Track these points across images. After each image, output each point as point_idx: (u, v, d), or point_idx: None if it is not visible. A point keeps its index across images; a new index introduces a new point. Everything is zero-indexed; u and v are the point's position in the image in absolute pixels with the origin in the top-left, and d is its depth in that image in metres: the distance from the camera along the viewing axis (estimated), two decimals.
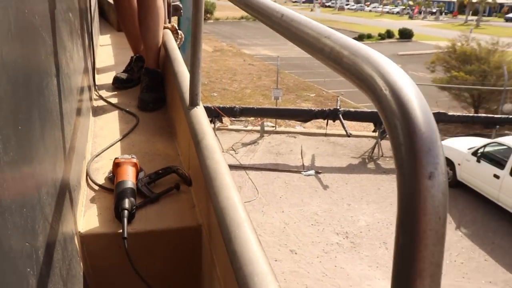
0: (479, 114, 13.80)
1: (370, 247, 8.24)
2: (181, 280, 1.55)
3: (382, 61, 0.50)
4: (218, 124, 12.11)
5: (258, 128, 13.27)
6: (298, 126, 13.72)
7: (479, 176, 9.90)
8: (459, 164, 10.41)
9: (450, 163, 10.65)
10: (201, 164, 1.34)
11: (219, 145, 1.45)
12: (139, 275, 1.33)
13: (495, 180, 9.48)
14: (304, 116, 12.04)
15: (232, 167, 10.78)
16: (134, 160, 1.66)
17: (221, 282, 1.16)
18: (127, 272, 1.34)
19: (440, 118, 12.62)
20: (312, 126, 13.39)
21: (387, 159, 12.10)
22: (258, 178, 10.65)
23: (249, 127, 13.58)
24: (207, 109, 11.22)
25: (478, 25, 46.94)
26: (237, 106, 12.28)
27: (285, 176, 10.87)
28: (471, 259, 8.22)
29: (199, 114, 1.63)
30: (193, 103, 1.69)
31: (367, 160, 11.85)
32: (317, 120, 12.65)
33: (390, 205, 9.79)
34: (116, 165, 1.64)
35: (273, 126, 13.69)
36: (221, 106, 12.20)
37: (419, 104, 0.46)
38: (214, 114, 11.44)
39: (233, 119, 13.25)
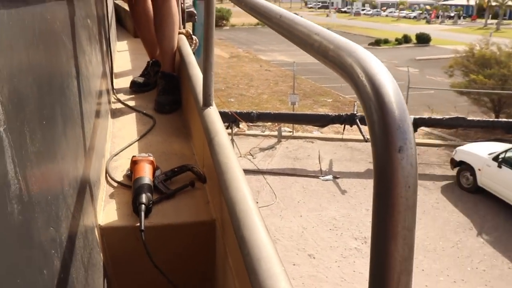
0: (500, 119, 13.57)
1: None
2: (196, 272, 1.59)
3: (360, 53, 0.57)
4: (235, 130, 12.18)
5: (275, 133, 13.30)
6: (315, 131, 13.70)
7: (500, 182, 9.73)
8: (479, 170, 10.24)
9: (470, 169, 10.49)
10: (214, 160, 1.37)
11: (230, 143, 1.48)
12: (156, 266, 1.37)
13: None
14: (321, 121, 12.03)
15: (249, 171, 10.82)
16: (151, 158, 1.70)
17: (233, 271, 1.19)
18: (145, 263, 1.37)
19: (459, 123, 12.46)
20: (329, 131, 13.35)
21: None
22: (276, 182, 10.66)
23: (267, 132, 13.62)
24: (224, 114, 11.34)
25: (498, 28, 46.23)
26: (254, 111, 12.34)
27: (303, 181, 10.85)
28: (494, 266, 8.06)
29: (212, 113, 1.67)
30: (206, 103, 1.73)
31: None
32: (334, 125, 12.62)
33: None
34: (134, 162, 1.68)
35: (290, 131, 13.69)
36: (238, 111, 12.26)
37: (390, 87, 0.51)
38: (231, 119, 11.51)
39: (250, 124, 13.30)
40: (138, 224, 1.42)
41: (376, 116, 0.49)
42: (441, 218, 9.49)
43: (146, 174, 1.60)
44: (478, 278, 7.71)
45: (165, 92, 2.56)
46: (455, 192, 10.57)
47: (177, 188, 1.64)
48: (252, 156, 12.17)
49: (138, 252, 1.38)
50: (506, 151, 9.85)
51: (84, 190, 1.28)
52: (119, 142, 2.11)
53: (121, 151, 2.00)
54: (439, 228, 9.11)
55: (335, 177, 10.96)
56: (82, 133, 1.35)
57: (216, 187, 1.45)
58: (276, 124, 13.44)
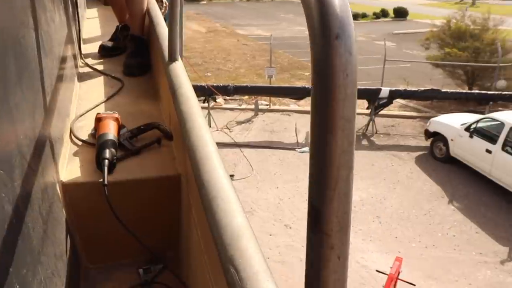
0: (473, 91, 13.83)
1: (364, 221, 8.35)
2: (161, 226, 1.60)
3: None
4: (212, 103, 12.11)
5: (252, 106, 13.27)
6: (292, 105, 13.72)
7: (472, 151, 9.98)
8: (452, 140, 10.47)
9: (443, 139, 10.72)
10: (177, 111, 1.37)
11: (194, 95, 1.47)
12: (120, 221, 1.37)
13: (487, 155, 9.56)
14: (298, 93, 12.05)
15: (226, 145, 10.83)
16: (116, 115, 1.69)
17: (196, 220, 1.21)
18: (109, 219, 1.38)
19: (434, 94, 12.66)
20: (306, 104, 13.38)
21: (381, 136, 12.15)
22: (253, 155, 10.70)
23: (244, 106, 13.58)
24: (201, 88, 11.23)
25: (474, 3, 46.58)
26: (230, 84, 12.26)
27: (279, 153, 10.93)
28: (463, 232, 8.34)
29: (177, 67, 1.66)
30: (172, 58, 1.72)
31: (361, 137, 11.90)
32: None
33: (383, 181, 9.88)
34: (98, 120, 1.66)
35: (267, 105, 13.68)
36: (214, 84, 12.16)
37: None
38: (208, 93, 11.42)
39: (227, 98, 13.23)
40: (102, 180, 1.41)
41: (315, 4, 0.47)
42: (414, 188, 9.72)
43: (110, 131, 1.59)
44: (448, 243, 7.98)
45: (134, 54, 2.53)
46: (428, 162, 10.81)
47: (143, 145, 1.64)
48: (229, 129, 12.15)
49: (102, 208, 1.38)
50: (477, 121, 10.08)
51: (45, 147, 1.27)
52: (85, 104, 2.08)
53: (86, 112, 1.98)
54: (412, 197, 9.35)
55: None
56: (41, 89, 1.32)
57: (181, 142, 1.45)
58: (253, 97, 13.40)
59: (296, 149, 11.08)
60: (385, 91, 11.95)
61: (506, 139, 9.27)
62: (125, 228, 1.37)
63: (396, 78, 15.57)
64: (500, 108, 12.48)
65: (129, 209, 1.48)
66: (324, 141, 0.48)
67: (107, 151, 1.48)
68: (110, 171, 1.46)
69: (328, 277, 0.52)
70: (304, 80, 17.29)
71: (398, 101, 13.57)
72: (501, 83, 14.49)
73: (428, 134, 11.22)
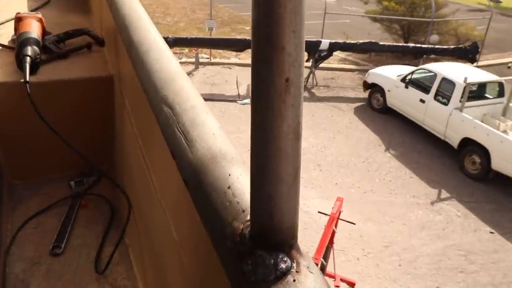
0: (408, 44, 14.25)
1: (305, 169, 8.52)
2: (95, 132, 1.49)
3: None
4: None
5: (193, 60, 12.93)
6: (233, 58, 13.51)
7: (407, 101, 10.37)
8: (389, 91, 10.81)
9: (380, 90, 11.04)
10: (112, 9, 1.23)
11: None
12: (46, 123, 1.24)
13: (421, 105, 9.98)
14: (239, 45, 11.83)
15: None
16: (39, 16, 1.51)
17: (131, 115, 1.12)
18: (35, 125, 1.24)
19: (372, 47, 12.93)
20: (247, 57, 13.22)
21: (321, 88, 12.32)
22: None
23: (184, 59, 13.19)
24: None
25: None
26: (170, 36, 11.80)
27: (221, 105, 10.81)
28: (398, 177, 8.76)
29: None
30: None
31: None
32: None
33: (324, 131, 10.09)
34: (18, 19, 1.48)
35: (208, 58, 13.38)
36: None
37: None
38: None
39: None
40: (23, 80, 1.26)
41: None
42: (353, 137, 10.01)
43: (32, 30, 1.42)
44: (385, 187, 8.37)
45: None
46: (367, 112, 11.14)
47: (71, 48, 1.48)
48: None
49: (26, 112, 1.24)
50: (412, 72, 10.44)
51: None
52: (7, 15, 1.86)
53: (7, 21, 1.77)
54: (351, 146, 9.64)
55: None
56: None
57: (114, 44, 1.32)
58: (193, 50, 13.03)
59: (238, 101, 11.00)
60: (325, 43, 12.02)
61: (438, 89, 9.70)
62: (54, 132, 1.23)
63: (335, 33, 15.69)
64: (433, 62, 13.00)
65: (57, 114, 1.35)
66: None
67: (29, 48, 1.32)
68: (33, 71, 1.30)
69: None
70: (245, 34, 17.01)
71: (338, 55, 13.75)
72: (434, 37, 15.04)
73: (366, 85, 11.50)
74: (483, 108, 9.49)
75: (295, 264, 0.57)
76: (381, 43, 13.07)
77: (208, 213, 0.66)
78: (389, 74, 11.06)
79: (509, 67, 14.61)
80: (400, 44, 14.49)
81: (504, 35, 18.23)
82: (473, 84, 9.36)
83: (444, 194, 8.36)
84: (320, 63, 12.31)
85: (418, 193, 8.33)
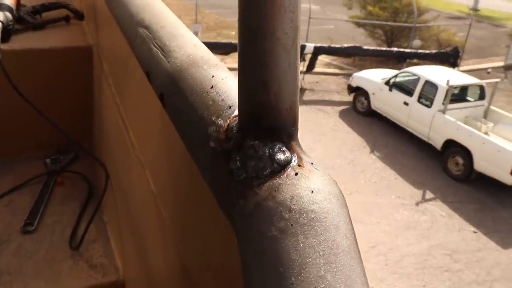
0: (392, 49, 14.41)
1: None
2: (73, 106, 1.44)
3: None
4: None
5: None
6: None
7: (391, 104, 10.45)
8: (373, 94, 10.89)
9: (365, 93, 11.12)
10: None
11: None
12: (18, 92, 1.19)
13: (405, 107, 10.07)
14: (224, 48, 11.84)
15: None
16: None
17: (112, 86, 1.08)
18: (8, 92, 1.19)
19: (356, 51, 13.05)
20: (233, 61, 13.22)
21: (307, 91, 12.37)
22: None
23: None
24: None
25: None
26: None
27: None
28: (383, 178, 8.80)
29: None
30: None
31: None
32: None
33: (309, 133, 10.11)
34: None
35: None
36: None
37: None
38: None
39: None
40: None
41: None
42: (338, 139, 10.05)
43: None
44: (370, 188, 8.40)
45: None
46: (351, 115, 11.20)
47: (48, 20, 1.44)
48: None
49: None
50: (396, 75, 10.54)
51: None
52: None
53: None
54: (337, 148, 9.67)
55: None
56: None
57: (94, 19, 1.29)
58: None
59: None
60: (310, 47, 12.10)
61: (421, 92, 9.80)
62: (28, 103, 1.18)
63: (320, 39, 15.80)
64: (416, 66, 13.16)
65: (33, 86, 1.30)
66: None
67: (1, 13, 1.26)
68: (5, 39, 1.25)
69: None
70: (230, 39, 17.02)
71: (323, 59, 13.82)
72: (417, 42, 15.25)
73: (350, 88, 11.57)
74: (465, 111, 9.62)
75: (295, 157, 0.46)
76: (365, 47, 13.21)
77: (186, 117, 0.56)
78: (373, 77, 11.15)
79: (488, 73, 14.86)
80: (384, 48, 14.64)
81: (483, 42, 18.57)
82: (455, 87, 9.48)
83: (429, 194, 8.41)
84: (312, 68, 12.43)
85: (403, 194, 8.37)
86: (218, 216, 0.46)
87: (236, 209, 0.42)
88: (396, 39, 16.13)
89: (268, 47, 0.43)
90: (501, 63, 15.58)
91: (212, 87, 0.57)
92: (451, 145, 9.04)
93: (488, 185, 8.47)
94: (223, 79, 0.59)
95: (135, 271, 1.11)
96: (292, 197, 0.41)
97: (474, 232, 7.51)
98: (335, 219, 0.41)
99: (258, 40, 0.42)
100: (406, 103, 10.04)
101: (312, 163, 0.46)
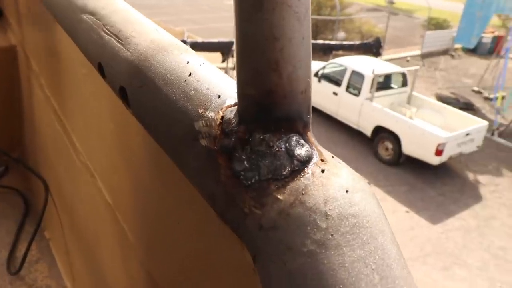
0: (317, 41, 14.79)
1: None
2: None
3: None
4: None
5: None
6: None
7: (320, 95, 10.71)
8: None
9: None
10: None
11: None
12: None
13: (334, 97, 10.38)
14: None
15: None
16: None
17: (44, 84, 0.96)
18: None
19: None
20: None
21: None
22: None
23: None
24: None
25: None
26: None
27: None
28: None
29: None
30: None
31: None
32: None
33: None
34: None
35: None
36: None
37: None
38: None
39: None
40: None
41: None
42: None
43: None
44: None
45: None
46: None
47: None
48: None
49: None
50: (324, 67, 10.82)
51: None
52: None
53: None
54: None
55: None
56: None
57: (16, 15, 1.15)
58: None
59: None
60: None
61: (348, 81, 10.14)
62: None
63: None
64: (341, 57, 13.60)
65: None
66: None
67: None
68: None
69: None
70: None
71: None
72: (341, 34, 15.78)
73: None
74: (390, 98, 10.09)
75: (315, 150, 0.39)
76: None
77: (160, 112, 0.48)
78: None
79: (407, 61, 15.71)
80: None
81: (401, 32, 19.60)
82: (380, 76, 9.90)
83: None
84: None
85: None
86: (219, 230, 0.38)
87: (249, 220, 0.35)
88: (321, 32, 16.59)
89: (279, 16, 0.35)
90: (418, 52, 16.53)
91: (190, 74, 0.48)
92: (380, 131, 9.44)
93: (415, 167, 8.94)
94: (200, 65, 0.51)
95: None
96: (326, 200, 0.34)
97: (407, 212, 7.91)
98: (378, 222, 0.35)
99: (265, 9, 0.35)
100: (335, 93, 10.34)
101: (333, 156, 0.41)
